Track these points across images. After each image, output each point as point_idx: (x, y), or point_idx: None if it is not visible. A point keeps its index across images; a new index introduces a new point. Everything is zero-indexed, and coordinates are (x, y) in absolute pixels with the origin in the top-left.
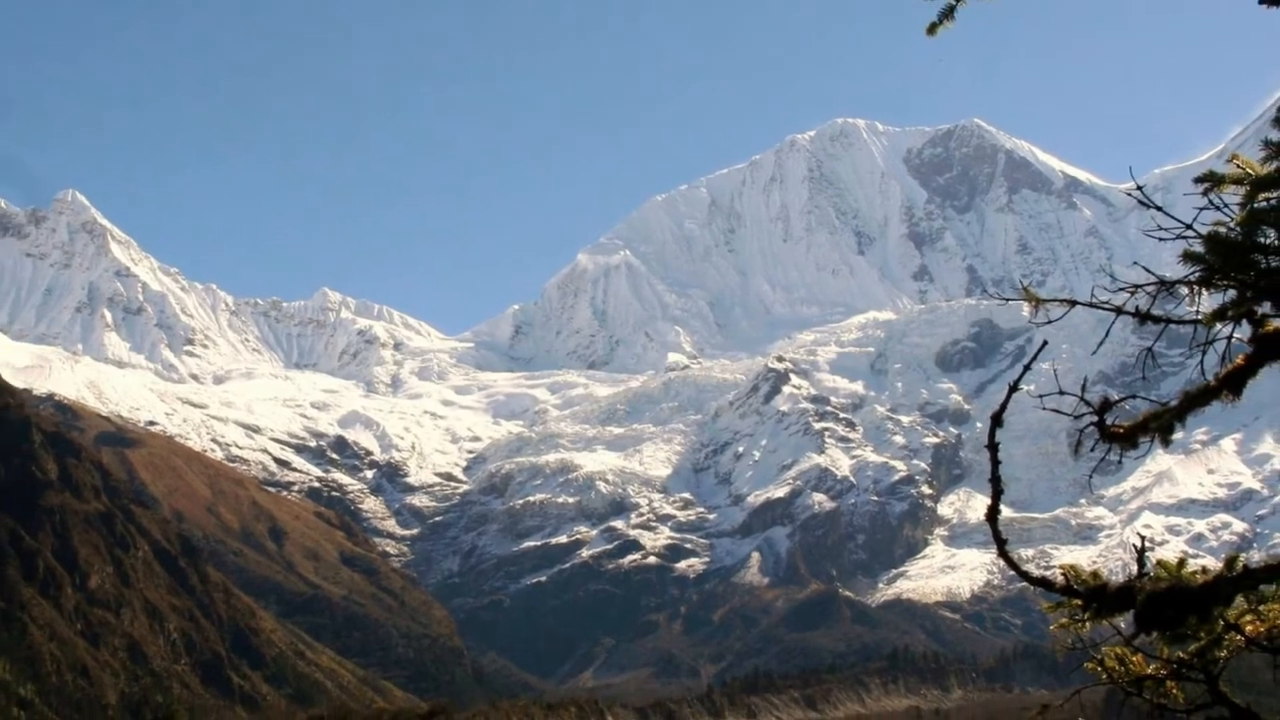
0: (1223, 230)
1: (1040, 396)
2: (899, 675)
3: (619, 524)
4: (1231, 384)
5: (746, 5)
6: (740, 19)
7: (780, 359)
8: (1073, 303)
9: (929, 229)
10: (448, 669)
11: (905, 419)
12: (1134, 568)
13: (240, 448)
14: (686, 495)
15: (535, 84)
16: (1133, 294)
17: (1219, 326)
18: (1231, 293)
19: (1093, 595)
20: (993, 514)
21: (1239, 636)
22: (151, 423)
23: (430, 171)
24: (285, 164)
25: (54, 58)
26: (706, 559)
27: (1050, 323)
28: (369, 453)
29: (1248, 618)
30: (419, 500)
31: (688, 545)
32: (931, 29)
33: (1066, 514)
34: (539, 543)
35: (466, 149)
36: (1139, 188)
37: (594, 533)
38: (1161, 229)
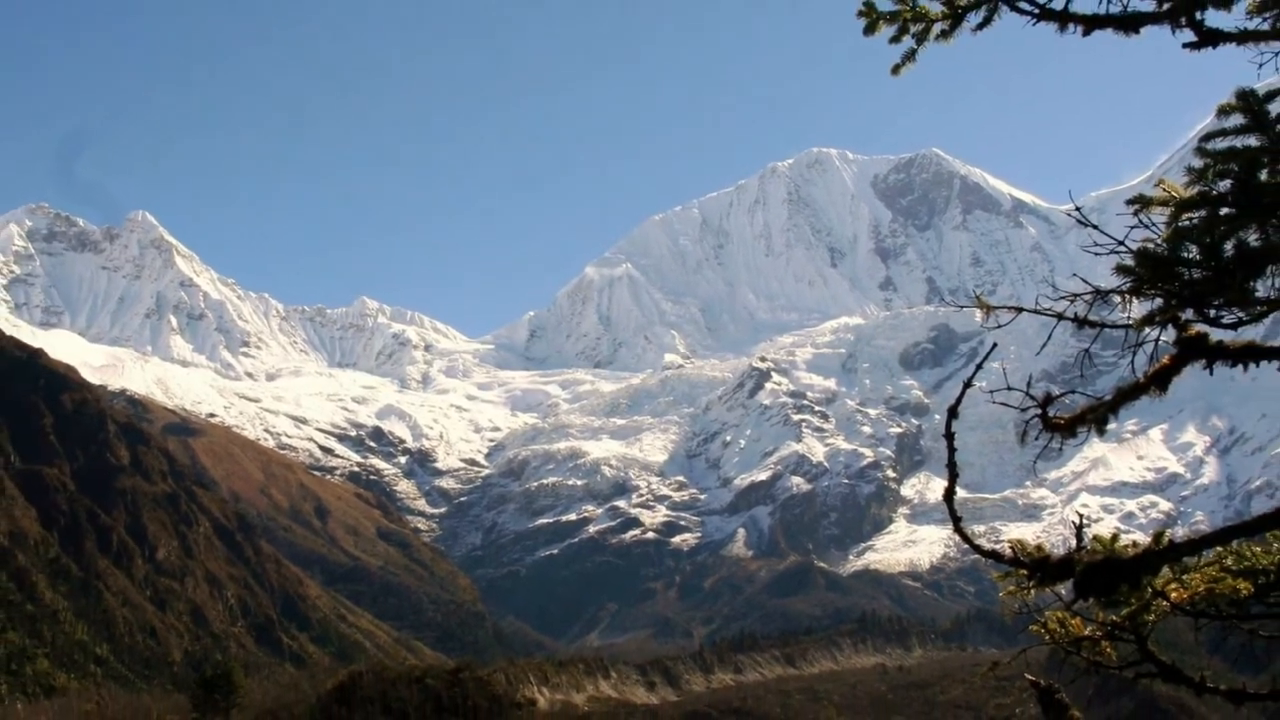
0: (1151, 246)
1: (991, 392)
2: (867, 636)
3: (621, 503)
4: (1158, 381)
5: (733, 50)
6: (727, 62)
7: (763, 359)
8: (1019, 309)
9: (893, 245)
10: (471, 631)
11: (872, 411)
12: (1073, 542)
13: (289, 437)
14: (681, 478)
15: (549, 118)
16: (1072, 302)
17: (1148, 330)
18: (1158, 301)
19: (1037, 566)
20: (949, 495)
21: (1165, 602)
22: (211, 415)
23: (457, 194)
24: (329, 187)
25: (127, 95)
26: (698, 534)
27: (1000, 327)
28: (402, 441)
29: (1173, 585)
30: (446, 483)
31: (682, 522)
32: (895, 69)
33: (1014, 495)
34: (551, 520)
35: (488, 174)
36: (1078, 209)
37: (599, 511)
38: (1097, 245)
